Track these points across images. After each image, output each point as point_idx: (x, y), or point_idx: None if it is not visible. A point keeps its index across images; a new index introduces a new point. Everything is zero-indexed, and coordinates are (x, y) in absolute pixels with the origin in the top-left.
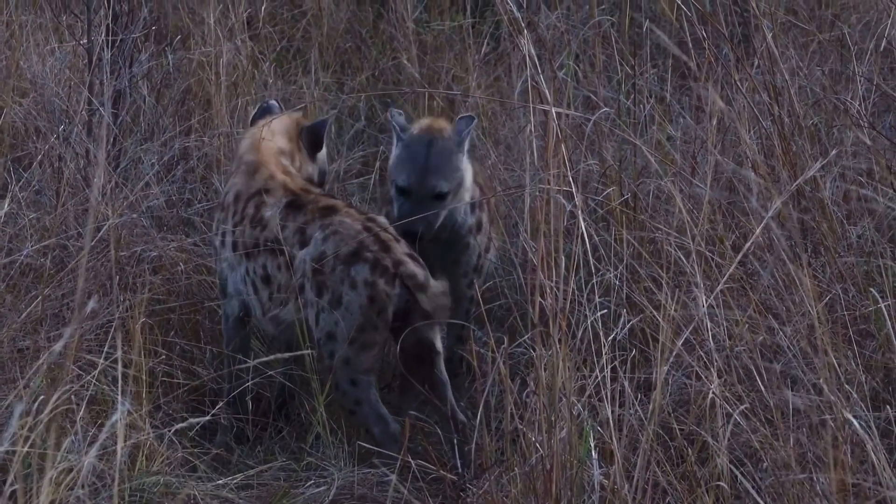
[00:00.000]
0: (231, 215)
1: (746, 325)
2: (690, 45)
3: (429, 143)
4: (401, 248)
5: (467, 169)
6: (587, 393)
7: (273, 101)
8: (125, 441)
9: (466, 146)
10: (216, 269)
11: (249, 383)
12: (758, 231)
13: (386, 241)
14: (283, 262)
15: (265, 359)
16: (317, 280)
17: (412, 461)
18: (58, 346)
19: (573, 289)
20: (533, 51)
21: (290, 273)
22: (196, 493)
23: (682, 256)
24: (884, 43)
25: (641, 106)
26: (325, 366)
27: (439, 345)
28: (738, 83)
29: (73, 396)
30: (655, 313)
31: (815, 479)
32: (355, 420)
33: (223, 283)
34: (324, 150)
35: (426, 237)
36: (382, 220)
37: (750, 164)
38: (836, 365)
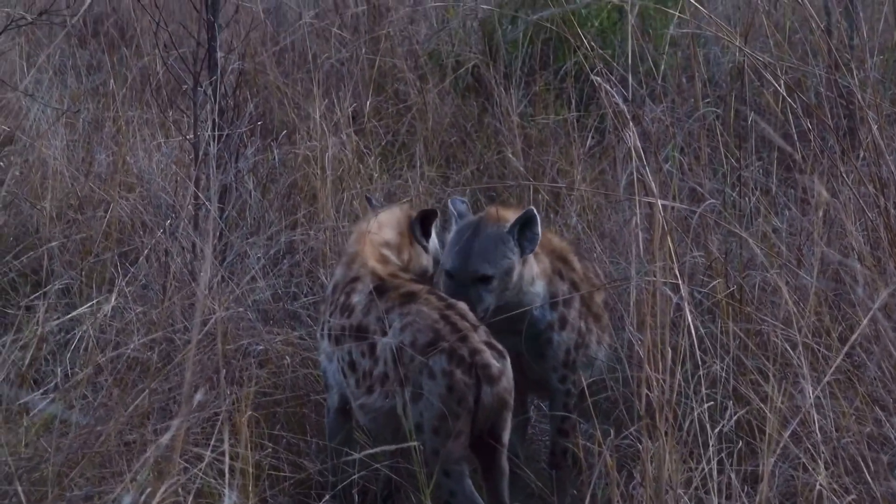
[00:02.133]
0: (329, 305)
1: (853, 417)
2: (795, 137)
3: (476, 226)
4: (478, 337)
5: (518, 258)
6: (694, 485)
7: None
8: None
9: (515, 234)
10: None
11: (356, 476)
12: (864, 322)
13: (463, 329)
14: (367, 349)
15: (371, 451)
16: (398, 370)
17: None
18: (165, 439)
19: (679, 381)
20: (638, 143)
21: (373, 360)
22: None
23: (788, 348)
24: None
25: (747, 198)
26: (423, 458)
27: (506, 438)
28: (844, 175)
29: (180, 489)
30: (762, 405)
31: None
32: None
33: (325, 375)
34: (434, 239)
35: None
36: (462, 305)
37: (856, 256)
38: None
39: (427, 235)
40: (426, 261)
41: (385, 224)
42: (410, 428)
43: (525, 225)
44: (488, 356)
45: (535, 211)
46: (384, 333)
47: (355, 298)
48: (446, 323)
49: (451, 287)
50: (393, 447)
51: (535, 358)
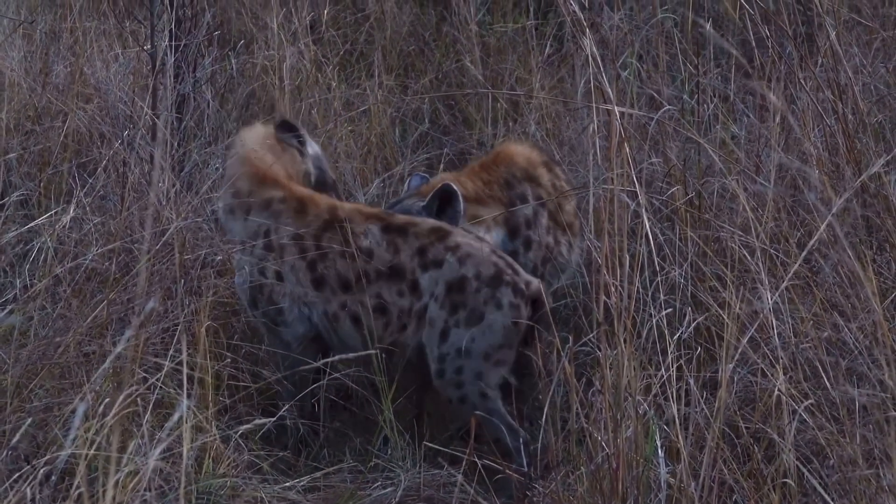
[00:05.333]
0: (295, 253)
1: (811, 322)
2: (754, 43)
3: (396, 203)
4: (523, 271)
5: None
6: (653, 392)
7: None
8: (191, 443)
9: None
10: (251, 300)
11: (318, 385)
12: (822, 228)
13: (511, 263)
14: (407, 287)
15: (329, 359)
16: (451, 299)
17: (479, 461)
18: (119, 347)
19: (638, 288)
20: (596, 51)
21: (413, 297)
22: (263, 495)
23: (746, 254)
24: None
25: (705, 105)
26: (445, 380)
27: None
28: (802, 81)
29: (139, 400)
30: (720, 311)
31: (881, 475)
32: (488, 431)
33: (284, 316)
34: (314, 146)
35: None
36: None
37: (814, 162)
38: None
39: (297, 135)
40: (304, 164)
41: (258, 144)
42: (447, 353)
43: (445, 201)
44: (537, 285)
45: (452, 186)
46: (424, 268)
47: (365, 242)
48: (498, 257)
49: None
50: (353, 356)
51: None
